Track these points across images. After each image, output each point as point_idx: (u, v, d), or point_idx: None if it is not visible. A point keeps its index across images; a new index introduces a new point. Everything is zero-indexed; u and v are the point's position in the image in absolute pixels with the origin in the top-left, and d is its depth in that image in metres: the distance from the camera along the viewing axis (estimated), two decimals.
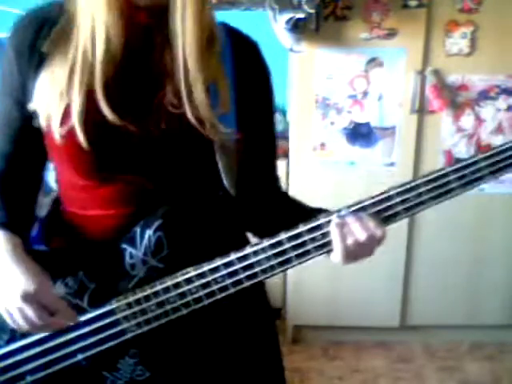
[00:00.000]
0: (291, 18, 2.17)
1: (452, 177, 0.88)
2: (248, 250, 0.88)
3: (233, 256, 0.88)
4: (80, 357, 0.93)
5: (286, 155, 2.54)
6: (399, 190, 0.87)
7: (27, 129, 0.91)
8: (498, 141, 2.41)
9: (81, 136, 0.85)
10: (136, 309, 0.90)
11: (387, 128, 2.38)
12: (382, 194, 0.87)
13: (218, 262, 0.88)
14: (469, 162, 0.87)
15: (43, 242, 1.00)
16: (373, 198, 0.87)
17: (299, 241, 0.87)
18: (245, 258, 0.87)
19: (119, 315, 0.90)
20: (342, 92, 2.35)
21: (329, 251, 0.89)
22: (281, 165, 2.52)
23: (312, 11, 2.16)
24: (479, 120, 2.39)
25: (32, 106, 0.88)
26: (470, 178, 0.88)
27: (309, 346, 2.67)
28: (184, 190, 0.91)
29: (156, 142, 0.88)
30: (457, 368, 2.52)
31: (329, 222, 0.87)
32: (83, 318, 0.91)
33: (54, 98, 0.86)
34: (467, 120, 2.39)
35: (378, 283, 2.57)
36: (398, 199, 0.86)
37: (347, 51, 2.31)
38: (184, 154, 0.90)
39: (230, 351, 1.01)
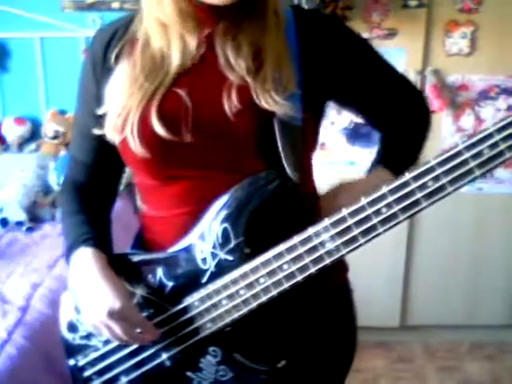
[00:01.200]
0: None
1: (468, 155, 0.76)
2: (310, 231, 0.82)
3: (295, 239, 0.82)
4: (164, 356, 0.93)
5: None
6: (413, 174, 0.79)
7: (103, 139, 0.93)
8: None
9: (134, 148, 0.87)
10: (208, 304, 0.89)
11: None
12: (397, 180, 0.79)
13: (282, 247, 0.83)
14: (482, 135, 0.74)
15: (139, 247, 1.02)
16: (390, 183, 0.80)
17: (363, 215, 0.79)
18: (307, 240, 0.82)
19: (194, 311, 0.90)
20: None
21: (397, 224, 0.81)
22: None
23: None
24: (479, 120, 2.39)
25: (103, 109, 0.91)
26: (489, 155, 0.75)
27: None
28: (249, 180, 0.88)
29: (218, 133, 0.88)
30: (457, 368, 2.52)
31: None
32: (163, 316, 0.92)
33: (115, 106, 0.89)
34: (467, 120, 2.39)
35: (377, 283, 2.57)
36: (415, 185, 0.79)
37: None
38: (247, 141, 0.88)
39: (310, 352, 1.00)
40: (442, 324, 2.67)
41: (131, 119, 0.87)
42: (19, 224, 2.22)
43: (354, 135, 2.40)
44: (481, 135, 0.75)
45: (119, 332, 0.88)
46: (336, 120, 2.38)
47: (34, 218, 2.29)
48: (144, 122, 0.86)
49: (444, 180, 0.79)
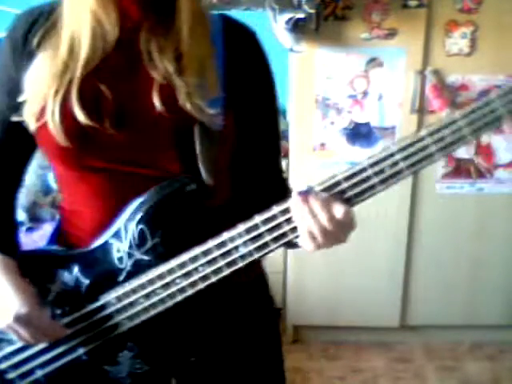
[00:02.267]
0: (291, 18, 2.17)
1: (429, 140, 0.81)
2: (225, 236, 0.86)
3: (210, 243, 0.87)
4: (81, 351, 0.95)
5: (286, 155, 2.54)
6: (372, 160, 0.82)
7: (15, 123, 0.92)
8: (498, 141, 2.41)
9: (55, 132, 0.86)
10: (125, 302, 0.91)
11: (387, 128, 2.38)
12: (353, 167, 0.84)
13: (197, 250, 0.87)
14: (447, 122, 0.81)
15: (56, 241, 1.02)
16: (345, 171, 0.84)
17: (274, 223, 0.84)
18: (222, 244, 0.86)
19: (111, 309, 0.92)
20: (342, 92, 2.35)
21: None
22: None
23: (312, 11, 2.16)
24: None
25: (22, 97, 0.90)
26: (451, 140, 0.80)
27: (309, 345, 2.67)
28: (165, 178, 0.90)
29: (137, 126, 0.88)
30: (457, 368, 2.52)
31: None
32: (80, 313, 0.93)
33: (35, 94, 0.88)
34: None
35: (378, 283, 2.57)
36: (371, 171, 0.82)
37: (347, 51, 2.31)
38: (165, 139, 0.89)
39: (229, 347, 1.02)
40: (442, 324, 2.67)
41: (51, 105, 0.86)
42: (19, 224, 2.22)
43: (354, 135, 2.39)
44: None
45: (26, 336, 0.91)
46: (336, 120, 2.38)
47: (34, 218, 2.29)
48: (65, 107, 0.86)
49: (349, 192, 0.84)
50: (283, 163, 2.65)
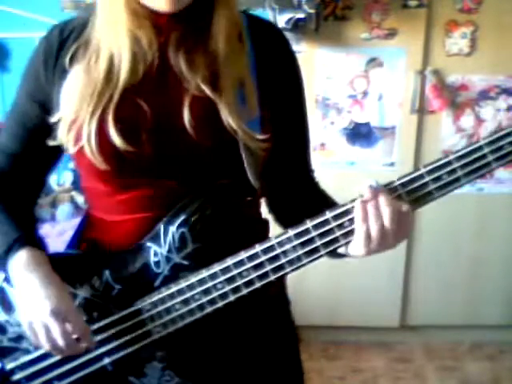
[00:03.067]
0: (291, 18, 2.17)
1: (487, 150, 0.80)
2: (273, 240, 0.84)
3: (257, 248, 0.84)
4: (107, 361, 0.91)
5: None
6: (430, 168, 0.81)
7: (40, 132, 0.91)
8: None
9: (92, 158, 0.84)
10: (161, 308, 0.88)
11: (387, 128, 2.38)
12: (410, 173, 0.82)
13: (243, 255, 0.84)
14: (505, 132, 0.79)
15: (76, 246, 0.99)
16: (401, 178, 0.82)
17: (326, 228, 0.83)
18: (270, 249, 0.84)
19: (145, 315, 0.88)
20: (342, 92, 2.35)
21: None
22: None
23: (312, 11, 2.16)
24: (479, 120, 2.39)
25: (55, 117, 0.88)
26: (508, 150, 0.79)
27: (309, 345, 2.67)
28: (208, 189, 0.88)
29: (176, 144, 0.86)
30: (457, 368, 2.52)
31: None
32: (109, 320, 0.90)
33: (69, 114, 0.86)
34: (467, 120, 2.39)
35: (378, 283, 2.57)
36: (429, 178, 0.81)
37: (347, 51, 2.31)
38: (207, 155, 0.87)
39: (255, 357, 0.99)
40: (442, 324, 2.67)
41: (87, 128, 0.84)
42: None
43: (354, 135, 2.39)
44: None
45: (57, 334, 0.84)
46: (336, 120, 2.38)
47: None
48: (101, 131, 0.84)
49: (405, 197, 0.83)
50: None
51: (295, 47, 2.25)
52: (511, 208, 2.49)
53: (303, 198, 0.97)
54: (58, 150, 0.93)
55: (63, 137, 0.87)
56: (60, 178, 2.47)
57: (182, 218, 0.86)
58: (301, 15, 2.15)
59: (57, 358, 0.91)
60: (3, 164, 0.98)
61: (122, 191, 0.89)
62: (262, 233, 0.87)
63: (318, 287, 2.58)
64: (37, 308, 0.84)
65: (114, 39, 0.85)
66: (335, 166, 2.41)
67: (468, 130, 2.39)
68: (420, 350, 2.64)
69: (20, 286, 0.88)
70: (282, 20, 2.18)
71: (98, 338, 0.90)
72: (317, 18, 2.21)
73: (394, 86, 2.34)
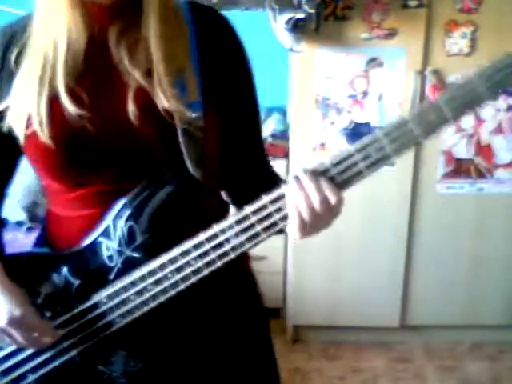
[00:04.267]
0: (291, 18, 2.17)
1: (413, 124, 0.81)
2: (215, 228, 0.86)
3: (201, 236, 0.87)
4: (74, 352, 0.95)
5: (286, 155, 2.54)
6: (358, 146, 0.83)
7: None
8: (498, 141, 2.41)
9: (43, 136, 0.85)
10: (117, 300, 0.91)
11: None
12: (340, 153, 0.84)
13: (188, 244, 0.87)
14: (429, 106, 0.81)
15: (44, 244, 1.01)
16: (333, 158, 0.84)
17: (264, 213, 0.85)
18: (213, 237, 0.86)
19: (102, 308, 0.92)
20: (342, 92, 2.35)
21: None
22: (281, 165, 2.52)
23: (312, 11, 2.16)
24: (479, 120, 2.39)
25: (2, 107, 0.89)
26: (434, 124, 0.81)
27: (309, 345, 2.67)
28: (153, 181, 0.89)
29: (121, 135, 0.88)
30: (457, 368, 2.52)
31: None
32: (71, 314, 0.93)
33: (18, 101, 0.88)
34: (467, 120, 2.39)
35: (378, 283, 2.57)
36: (359, 156, 0.82)
37: (347, 51, 2.31)
38: (148, 144, 0.89)
39: (221, 344, 1.02)
40: (442, 324, 2.67)
41: (36, 109, 0.86)
42: (19, 224, 2.23)
43: (354, 135, 2.39)
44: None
45: (20, 339, 0.91)
46: (336, 120, 2.38)
47: (34, 218, 2.29)
48: (52, 109, 0.86)
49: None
50: (283, 163, 2.65)
51: (295, 47, 2.27)
52: (511, 208, 2.49)
53: (259, 185, 0.97)
54: (14, 150, 0.93)
55: (14, 121, 0.88)
56: None
57: (129, 211, 0.88)
58: (301, 15, 2.15)
59: (27, 352, 0.95)
60: None
61: (74, 188, 0.91)
62: (215, 218, 0.88)
63: (318, 287, 2.58)
64: None
65: (49, 33, 0.87)
66: None
67: (468, 130, 2.39)
68: (420, 350, 2.64)
69: None
70: (282, 20, 2.18)
71: (63, 331, 0.94)
72: (317, 17, 2.21)
73: (394, 85, 2.34)
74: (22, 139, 0.89)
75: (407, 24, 2.28)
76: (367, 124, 2.39)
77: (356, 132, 2.39)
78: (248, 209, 0.85)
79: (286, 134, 2.62)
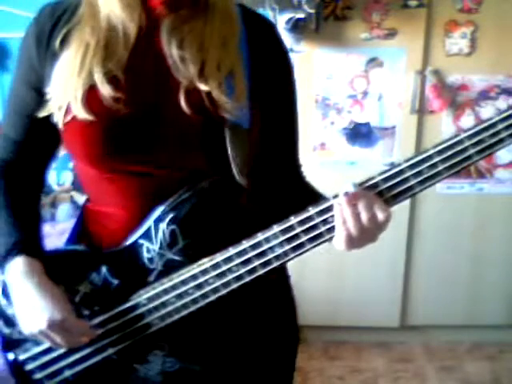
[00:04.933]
0: (291, 18, 2.17)
1: (468, 143, 0.80)
2: (260, 237, 0.86)
3: (245, 244, 0.86)
4: (111, 351, 0.94)
5: None
6: (411, 162, 0.82)
7: (40, 118, 0.91)
8: None
9: (81, 117, 0.85)
10: (157, 302, 0.91)
11: (387, 128, 2.38)
12: (392, 168, 0.83)
13: (231, 251, 0.87)
14: (486, 124, 0.79)
15: (75, 241, 1.01)
16: (383, 173, 0.83)
17: (311, 224, 0.85)
18: (257, 245, 0.86)
19: (142, 309, 0.91)
20: (342, 92, 2.35)
21: None
22: None
23: (312, 11, 2.16)
24: (479, 120, 2.39)
25: (46, 92, 0.89)
26: (489, 143, 0.80)
27: (309, 345, 2.67)
28: (194, 178, 0.89)
29: (166, 128, 0.88)
30: (457, 368, 2.52)
31: None
32: (110, 314, 0.93)
33: (60, 89, 0.87)
34: (467, 120, 2.39)
35: (378, 283, 2.57)
36: (410, 172, 0.82)
37: (347, 51, 2.32)
38: (194, 140, 0.88)
39: (255, 342, 1.01)
40: (442, 324, 2.67)
41: (74, 93, 0.85)
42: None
43: (354, 135, 2.40)
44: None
45: (60, 341, 0.90)
46: (336, 120, 2.38)
47: None
48: (90, 93, 0.85)
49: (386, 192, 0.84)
50: None
51: (295, 47, 2.27)
52: (511, 208, 2.49)
53: (290, 193, 0.99)
54: (57, 136, 0.93)
55: (55, 109, 0.88)
56: (60, 178, 2.47)
57: (171, 215, 0.87)
58: (301, 15, 2.16)
59: (65, 349, 0.95)
60: (9, 153, 0.99)
61: (113, 178, 0.90)
62: (254, 221, 0.88)
63: (318, 287, 2.58)
64: (34, 320, 0.88)
65: (97, 20, 0.87)
66: (335, 166, 2.41)
67: None
68: (420, 350, 2.64)
69: (16, 293, 0.90)
70: (282, 20, 2.18)
71: (100, 331, 0.93)
72: (317, 17, 2.21)
73: (394, 85, 2.34)
74: (60, 125, 0.88)
75: (407, 24, 2.28)
76: (367, 124, 2.39)
77: (356, 132, 2.39)
78: (294, 219, 0.85)
79: None
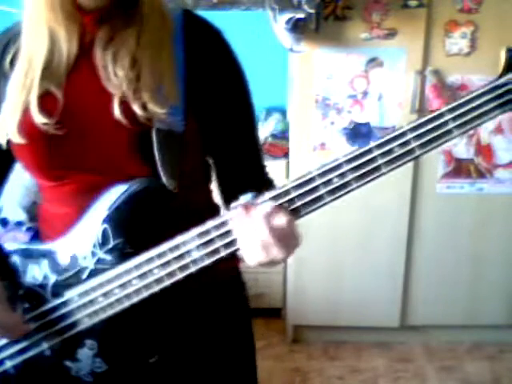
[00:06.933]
0: (291, 18, 2.17)
1: (377, 152, 0.78)
2: (179, 239, 0.86)
3: (165, 245, 0.86)
4: (45, 345, 0.97)
5: (285, 155, 2.54)
6: (321, 170, 0.80)
7: None
8: (497, 141, 2.41)
9: (14, 139, 0.90)
10: (85, 300, 0.92)
11: (387, 128, 2.38)
12: (302, 176, 0.80)
13: (153, 252, 0.87)
14: (394, 135, 0.78)
15: (37, 238, 1.06)
16: (294, 180, 0.80)
17: (225, 229, 0.83)
18: (176, 247, 0.86)
19: (72, 306, 0.93)
20: (342, 92, 2.35)
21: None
22: (281, 165, 2.53)
23: (312, 11, 2.16)
24: None
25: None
26: (398, 153, 0.78)
27: (309, 345, 2.67)
28: (128, 184, 0.90)
29: (100, 138, 0.90)
30: (457, 368, 2.52)
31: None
32: (43, 309, 0.95)
33: (4, 110, 0.92)
34: None
35: (378, 283, 2.57)
36: (320, 181, 0.79)
37: (347, 51, 2.32)
38: (128, 147, 0.90)
39: (197, 347, 1.02)
40: (442, 324, 2.67)
41: (11, 115, 0.90)
42: (19, 224, 2.22)
43: (354, 135, 2.40)
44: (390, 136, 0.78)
45: None
46: (336, 120, 2.38)
47: (34, 218, 2.29)
48: (24, 115, 0.89)
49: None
50: (283, 163, 2.65)
51: (295, 47, 2.27)
52: (511, 208, 2.49)
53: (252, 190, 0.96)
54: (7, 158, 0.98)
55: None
56: None
57: (104, 215, 0.89)
58: (301, 15, 2.15)
59: (4, 341, 0.98)
60: None
61: (58, 184, 0.94)
62: (191, 224, 0.87)
63: (318, 287, 2.58)
64: None
65: (35, 38, 0.91)
66: None
67: None
68: (420, 350, 2.64)
69: None
70: (282, 20, 2.18)
71: (34, 325, 0.96)
72: (317, 17, 2.21)
73: (394, 86, 2.35)
74: (3, 142, 0.93)
75: (407, 24, 2.28)
76: (367, 124, 2.39)
77: (356, 132, 2.39)
78: (210, 223, 0.84)
79: (285, 134, 2.62)
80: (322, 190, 0.80)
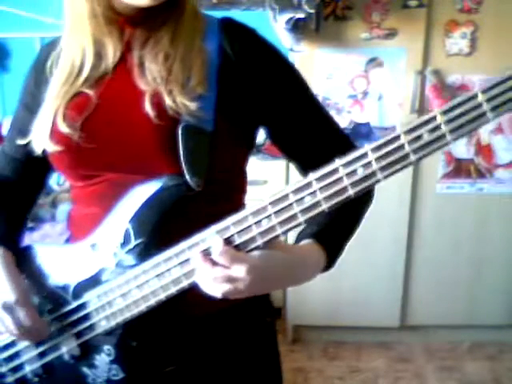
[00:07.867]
0: (291, 18, 2.17)
1: (342, 172, 0.75)
2: (198, 237, 0.84)
3: (184, 244, 0.84)
4: (64, 349, 0.96)
5: None
6: (295, 187, 0.78)
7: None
8: (498, 141, 2.41)
9: (43, 144, 0.92)
10: (104, 301, 0.91)
11: (387, 128, 2.38)
12: (280, 191, 0.79)
13: (171, 251, 0.85)
14: (360, 154, 0.74)
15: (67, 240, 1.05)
16: (272, 196, 0.79)
17: (228, 234, 0.82)
18: (194, 246, 0.84)
19: (91, 308, 0.92)
20: (342, 92, 2.35)
21: None
22: (281, 165, 2.53)
23: (312, 11, 2.16)
24: None
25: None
26: (363, 175, 0.74)
27: (309, 345, 2.67)
28: (152, 186, 0.89)
29: (131, 137, 0.90)
30: (457, 368, 2.52)
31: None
32: (64, 311, 0.94)
33: (40, 116, 0.94)
34: None
35: (378, 283, 2.57)
36: (294, 198, 0.78)
37: (347, 51, 2.32)
38: (150, 146, 0.89)
39: (219, 355, 0.99)
40: (442, 324, 2.67)
41: (44, 121, 0.92)
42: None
43: (354, 135, 2.39)
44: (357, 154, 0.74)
45: (10, 325, 0.92)
46: (336, 120, 2.38)
47: (34, 217, 2.29)
48: (54, 121, 0.91)
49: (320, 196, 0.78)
50: (283, 163, 2.63)
51: (295, 47, 2.27)
52: (511, 208, 2.49)
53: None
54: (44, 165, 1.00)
55: (34, 136, 0.95)
56: (60, 178, 2.47)
57: (130, 214, 0.88)
58: (301, 15, 2.16)
59: (25, 344, 0.97)
60: (7, 170, 1.07)
61: (86, 185, 0.94)
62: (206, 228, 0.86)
63: (318, 287, 2.58)
64: None
65: (77, 45, 0.93)
66: None
67: None
68: (420, 350, 2.64)
69: None
70: (282, 20, 2.18)
71: (55, 327, 0.95)
72: (317, 17, 2.21)
73: (394, 85, 2.35)
74: (39, 151, 0.94)
75: (407, 24, 2.28)
76: (367, 124, 2.39)
77: (356, 132, 2.39)
78: (230, 219, 0.82)
79: None
80: (296, 209, 0.79)
